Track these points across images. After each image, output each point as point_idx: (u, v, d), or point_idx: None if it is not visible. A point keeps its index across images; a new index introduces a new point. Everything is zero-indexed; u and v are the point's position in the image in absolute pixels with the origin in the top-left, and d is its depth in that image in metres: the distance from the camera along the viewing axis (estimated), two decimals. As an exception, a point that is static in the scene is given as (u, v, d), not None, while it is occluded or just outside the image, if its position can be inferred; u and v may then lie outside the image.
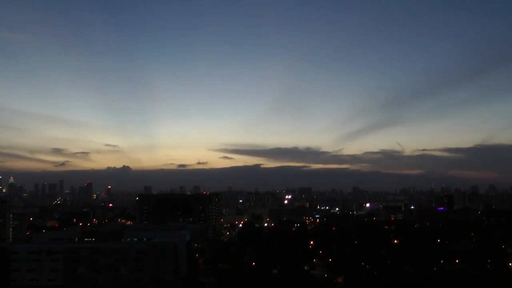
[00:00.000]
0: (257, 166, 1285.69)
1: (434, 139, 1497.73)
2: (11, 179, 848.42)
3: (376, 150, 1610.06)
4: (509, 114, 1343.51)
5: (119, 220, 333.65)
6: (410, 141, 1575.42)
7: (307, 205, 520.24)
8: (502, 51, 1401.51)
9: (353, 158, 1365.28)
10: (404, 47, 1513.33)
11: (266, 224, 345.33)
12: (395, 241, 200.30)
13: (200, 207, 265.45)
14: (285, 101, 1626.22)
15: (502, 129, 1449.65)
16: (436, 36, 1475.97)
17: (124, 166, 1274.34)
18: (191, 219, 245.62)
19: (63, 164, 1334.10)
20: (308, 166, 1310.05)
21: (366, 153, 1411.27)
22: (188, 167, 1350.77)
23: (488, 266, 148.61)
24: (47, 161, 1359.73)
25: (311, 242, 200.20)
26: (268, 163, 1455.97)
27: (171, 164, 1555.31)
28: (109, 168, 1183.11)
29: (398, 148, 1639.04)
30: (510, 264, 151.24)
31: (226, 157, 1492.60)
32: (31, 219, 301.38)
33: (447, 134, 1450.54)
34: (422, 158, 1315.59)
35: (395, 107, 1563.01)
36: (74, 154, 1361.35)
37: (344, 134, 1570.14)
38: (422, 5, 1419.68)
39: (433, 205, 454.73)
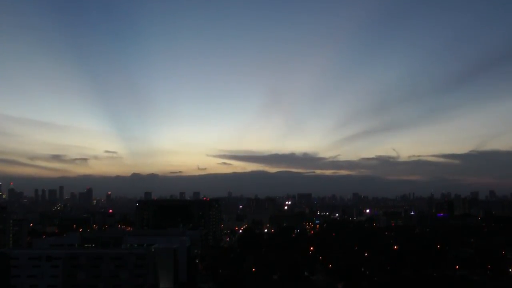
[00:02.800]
0: (256, 172, 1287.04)
1: (427, 144, 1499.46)
2: (11, 185, 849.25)
3: (371, 155, 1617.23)
4: (500, 120, 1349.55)
5: (119, 226, 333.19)
6: (403, 146, 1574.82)
7: (307, 210, 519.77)
8: (492, 55, 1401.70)
9: (350, 164, 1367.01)
10: (395, 51, 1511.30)
11: (266, 230, 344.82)
12: (395, 247, 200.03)
13: (200, 213, 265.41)
14: (274, 107, 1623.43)
15: (495, 135, 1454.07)
16: (427, 41, 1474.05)
17: (124, 173, 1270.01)
18: (191, 225, 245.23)
19: (62, 170, 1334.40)
20: (311, 172, 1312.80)
21: (363, 159, 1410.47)
22: (187, 173, 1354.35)
23: (489, 272, 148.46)
24: (47, 168, 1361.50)
25: (311, 248, 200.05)
26: (266, 169, 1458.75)
27: (171, 170, 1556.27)
28: (109, 175, 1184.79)
29: (393, 154, 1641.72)
30: (510, 270, 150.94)
31: (225, 163, 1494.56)
32: (31, 225, 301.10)
33: (439, 139, 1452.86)
34: (418, 164, 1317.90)
35: (387, 112, 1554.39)
36: (74, 161, 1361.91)
37: (338, 140, 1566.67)
38: (413, 10, 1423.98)
39: (433, 211, 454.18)
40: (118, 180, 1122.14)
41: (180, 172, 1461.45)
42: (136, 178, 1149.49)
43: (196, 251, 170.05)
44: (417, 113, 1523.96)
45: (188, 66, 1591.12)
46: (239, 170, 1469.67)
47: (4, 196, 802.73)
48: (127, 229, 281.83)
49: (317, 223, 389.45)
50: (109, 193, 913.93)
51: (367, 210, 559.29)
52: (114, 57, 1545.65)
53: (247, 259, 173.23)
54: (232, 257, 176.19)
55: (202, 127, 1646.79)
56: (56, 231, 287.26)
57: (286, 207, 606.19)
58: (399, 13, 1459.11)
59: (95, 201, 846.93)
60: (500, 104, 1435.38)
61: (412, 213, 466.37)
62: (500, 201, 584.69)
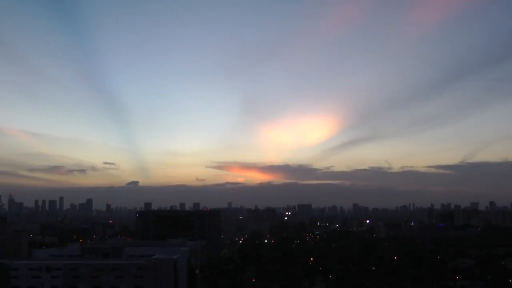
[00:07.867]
0: (256, 183, 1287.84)
1: (416, 154, 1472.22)
2: (11, 196, 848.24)
3: (364, 166, 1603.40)
4: (486, 129, 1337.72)
5: (119, 236, 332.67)
6: (392, 157, 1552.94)
7: (307, 221, 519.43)
8: (480, 59, 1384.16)
9: (345, 175, 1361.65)
10: (366, 56, 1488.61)
11: (266, 241, 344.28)
12: (396, 257, 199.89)
13: (200, 224, 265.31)
14: (259, 116, 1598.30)
15: (483, 145, 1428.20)
16: (415, 44, 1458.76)
17: (125, 183, 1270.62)
18: (191, 235, 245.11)
19: (61, 181, 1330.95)
20: (309, 183, 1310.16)
21: (357, 170, 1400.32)
22: (187, 184, 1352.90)
23: (489, 283, 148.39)
24: (46, 179, 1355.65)
25: (311, 259, 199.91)
26: (265, 180, 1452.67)
27: (170, 181, 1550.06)
28: (108, 186, 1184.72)
29: (385, 165, 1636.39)
30: (510, 281, 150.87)
31: (223, 174, 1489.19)
32: (31, 235, 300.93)
33: (426, 150, 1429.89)
34: (412, 175, 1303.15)
35: (371, 121, 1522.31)
36: (72, 172, 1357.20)
37: (327, 149, 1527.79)
38: (391, 13, 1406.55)
39: (434, 221, 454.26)
40: (117, 191, 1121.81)
41: (179, 183, 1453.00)
42: (136, 189, 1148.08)
43: (196, 261, 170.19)
44: (400, 122, 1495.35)
45: (181, 76, 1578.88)
46: (236, 181, 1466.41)
47: (4, 207, 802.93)
48: (127, 240, 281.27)
49: (317, 234, 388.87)
50: (109, 203, 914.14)
51: (367, 221, 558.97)
52: (110, 69, 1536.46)
53: (247, 270, 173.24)
54: (232, 267, 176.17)
55: (199, 138, 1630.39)
56: (56, 241, 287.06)
57: (286, 218, 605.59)
58: (386, 14, 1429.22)
59: (95, 211, 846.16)
60: (487, 111, 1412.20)
61: (412, 223, 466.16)
62: (500, 211, 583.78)
